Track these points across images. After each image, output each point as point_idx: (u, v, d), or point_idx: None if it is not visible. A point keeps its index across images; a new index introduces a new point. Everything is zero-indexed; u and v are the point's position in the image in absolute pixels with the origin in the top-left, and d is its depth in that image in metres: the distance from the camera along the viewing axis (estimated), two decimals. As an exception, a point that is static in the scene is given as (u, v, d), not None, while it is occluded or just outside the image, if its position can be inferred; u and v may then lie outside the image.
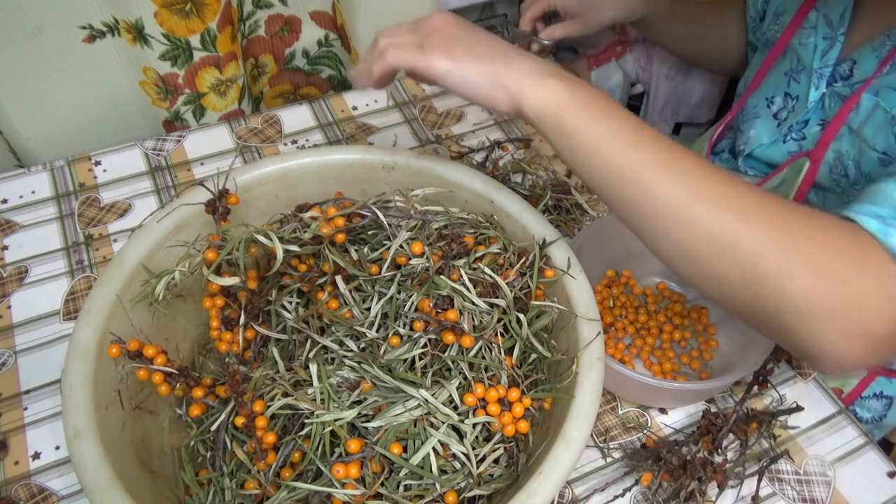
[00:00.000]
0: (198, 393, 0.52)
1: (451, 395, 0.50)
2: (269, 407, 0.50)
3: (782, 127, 0.78)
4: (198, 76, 0.83)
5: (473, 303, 0.53)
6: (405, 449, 0.48)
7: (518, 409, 0.50)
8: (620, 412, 0.64)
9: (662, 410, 0.64)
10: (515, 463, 0.50)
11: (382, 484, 0.47)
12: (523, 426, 0.50)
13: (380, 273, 0.55)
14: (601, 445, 0.61)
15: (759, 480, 0.59)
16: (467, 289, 0.53)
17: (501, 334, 0.52)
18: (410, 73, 0.53)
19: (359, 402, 0.50)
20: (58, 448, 0.59)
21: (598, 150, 0.48)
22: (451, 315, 0.51)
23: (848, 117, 0.69)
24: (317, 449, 0.49)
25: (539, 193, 0.75)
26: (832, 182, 0.72)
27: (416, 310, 0.54)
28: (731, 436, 0.61)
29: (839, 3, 0.72)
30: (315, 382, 0.51)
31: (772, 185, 0.79)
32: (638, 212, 0.47)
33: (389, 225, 0.55)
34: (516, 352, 0.52)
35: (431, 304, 0.53)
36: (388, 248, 0.55)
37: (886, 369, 0.75)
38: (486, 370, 0.52)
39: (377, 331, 0.54)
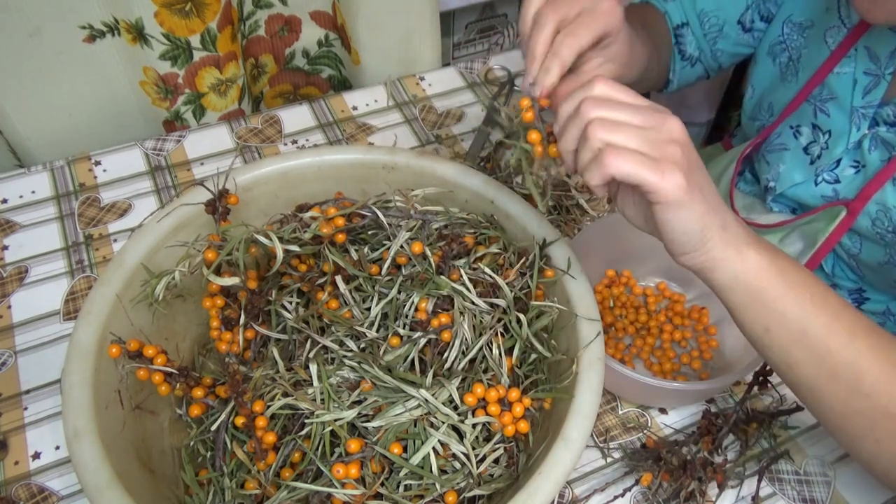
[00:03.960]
0: (198, 393, 0.52)
1: (451, 395, 0.50)
2: (269, 407, 0.50)
3: (816, 165, 0.73)
4: (198, 76, 0.83)
5: (473, 303, 0.53)
6: (405, 449, 0.48)
7: (518, 409, 0.50)
8: (620, 412, 0.64)
9: (662, 410, 0.64)
10: (515, 463, 0.50)
11: (382, 484, 0.47)
12: (523, 426, 0.50)
13: (380, 273, 0.55)
14: (601, 445, 0.61)
15: (759, 480, 0.59)
16: (467, 289, 0.53)
17: (501, 334, 0.52)
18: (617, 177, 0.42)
19: (359, 402, 0.50)
20: (58, 448, 0.59)
21: (805, 335, 0.45)
22: (445, 319, 0.51)
23: None
24: (317, 449, 0.49)
25: (539, 193, 0.75)
26: (874, 234, 0.69)
27: (417, 310, 0.54)
28: (731, 436, 0.61)
29: (891, 38, 0.66)
30: (315, 382, 0.51)
31: (800, 225, 0.76)
32: (842, 411, 0.46)
33: (389, 225, 0.55)
34: (516, 352, 0.52)
35: (430, 308, 0.53)
36: (388, 248, 0.55)
37: None
38: (486, 370, 0.52)
39: (377, 331, 0.54)
